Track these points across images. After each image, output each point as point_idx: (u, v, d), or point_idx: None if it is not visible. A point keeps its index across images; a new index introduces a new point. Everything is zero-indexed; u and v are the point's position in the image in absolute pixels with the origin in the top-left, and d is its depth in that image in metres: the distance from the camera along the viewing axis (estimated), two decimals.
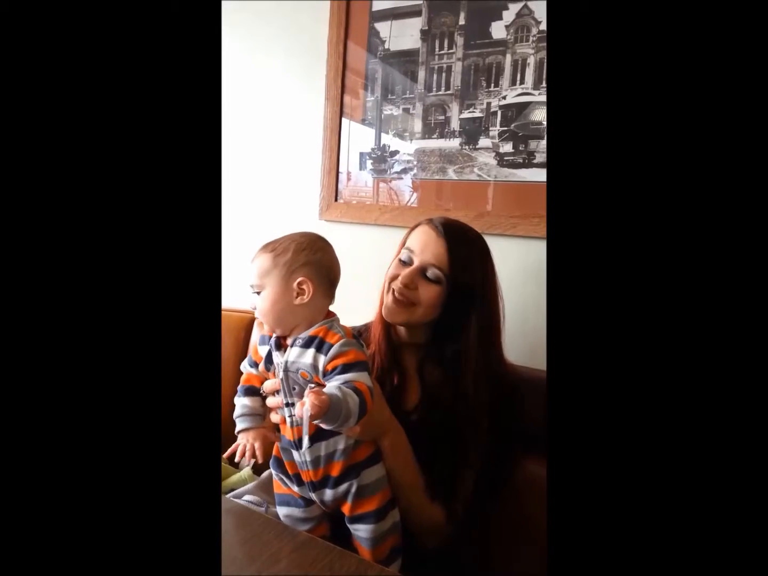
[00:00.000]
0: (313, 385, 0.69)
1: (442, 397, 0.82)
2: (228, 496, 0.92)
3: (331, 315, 0.75)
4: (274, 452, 0.76)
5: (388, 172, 1.20)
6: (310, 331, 0.70)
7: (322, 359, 0.68)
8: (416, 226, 0.87)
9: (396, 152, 1.19)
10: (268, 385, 0.74)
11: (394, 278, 0.84)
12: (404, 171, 1.18)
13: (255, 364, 0.77)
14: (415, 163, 1.16)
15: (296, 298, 0.70)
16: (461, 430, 0.82)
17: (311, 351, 0.69)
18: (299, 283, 0.70)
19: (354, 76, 1.22)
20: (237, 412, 0.75)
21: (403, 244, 0.87)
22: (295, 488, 0.75)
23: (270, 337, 0.74)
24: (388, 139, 1.19)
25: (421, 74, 1.14)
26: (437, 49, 1.11)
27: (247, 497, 0.91)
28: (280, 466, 0.75)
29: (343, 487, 0.72)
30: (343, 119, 1.24)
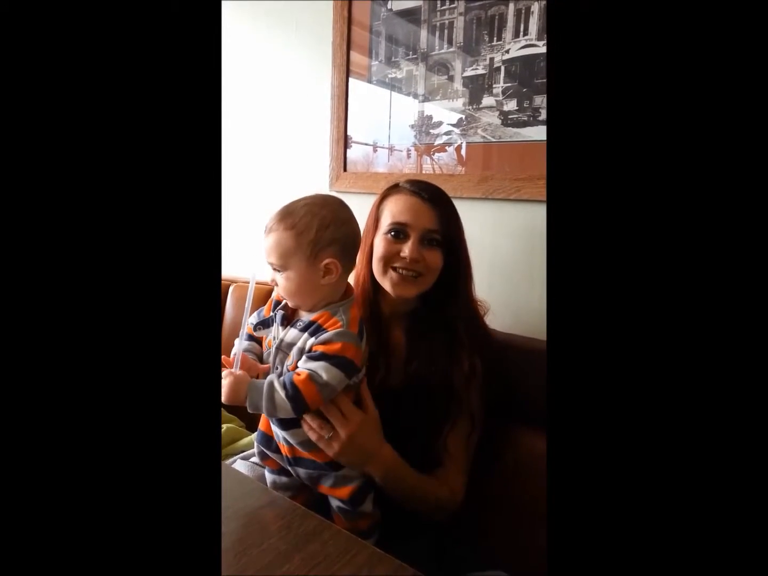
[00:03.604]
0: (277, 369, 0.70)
1: (436, 367, 0.81)
2: (237, 457, 0.98)
3: (350, 292, 0.73)
4: (259, 426, 0.78)
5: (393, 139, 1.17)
6: (312, 316, 0.69)
7: (310, 342, 0.67)
8: (386, 197, 0.83)
9: (404, 117, 1.15)
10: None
11: (391, 256, 0.79)
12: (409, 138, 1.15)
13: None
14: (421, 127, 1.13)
15: (323, 278, 0.68)
16: (461, 399, 0.81)
17: (305, 336, 0.68)
18: (326, 264, 0.67)
19: (359, 41, 1.19)
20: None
21: (377, 218, 0.83)
22: (275, 456, 0.77)
23: (280, 303, 0.74)
24: (397, 104, 1.16)
25: (423, 33, 1.09)
26: (439, 5, 1.06)
27: (253, 459, 0.95)
28: (263, 439, 0.77)
29: (317, 473, 0.73)
30: (350, 86, 1.21)
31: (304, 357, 0.67)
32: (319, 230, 0.66)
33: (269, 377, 0.68)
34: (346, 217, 0.70)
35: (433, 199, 0.80)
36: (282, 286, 0.69)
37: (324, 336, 0.66)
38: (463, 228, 0.83)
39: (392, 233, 0.80)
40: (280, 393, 0.64)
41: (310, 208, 0.68)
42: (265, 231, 0.69)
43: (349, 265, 0.72)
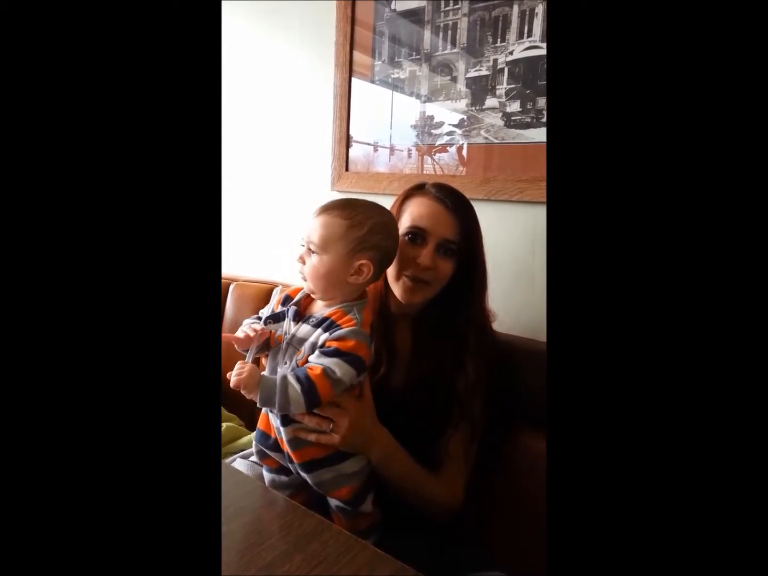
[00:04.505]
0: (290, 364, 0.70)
1: (441, 371, 0.81)
2: (236, 456, 0.98)
3: (364, 295, 0.74)
4: (258, 425, 0.78)
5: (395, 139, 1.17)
6: (326, 312, 0.70)
7: (323, 337, 0.67)
8: (409, 197, 0.83)
9: (407, 117, 1.15)
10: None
11: (405, 262, 0.79)
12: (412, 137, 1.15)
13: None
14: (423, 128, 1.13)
15: (351, 276, 0.69)
16: (463, 404, 0.80)
17: (318, 331, 0.68)
18: (361, 265, 0.68)
19: (362, 41, 1.19)
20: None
21: (398, 216, 0.82)
22: (274, 455, 0.77)
23: (292, 299, 0.75)
24: (399, 104, 1.16)
25: (427, 33, 1.09)
26: (443, 6, 1.06)
27: (253, 458, 0.95)
28: (261, 437, 0.77)
29: (315, 473, 0.72)
30: (353, 86, 1.21)
31: (317, 352, 0.67)
32: (370, 231, 0.68)
33: (281, 371, 0.68)
34: (394, 232, 0.73)
35: (457, 208, 0.79)
36: (310, 266, 0.70)
37: (339, 332, 0.66)
38: (482, 238, 0.83)
39: (410, 236, 0.80)
40: (295, 387, 0.64)
41: (368, 210, 0.70)
42: (316, 212, 0.71)
43: (377, 275, 0.72)
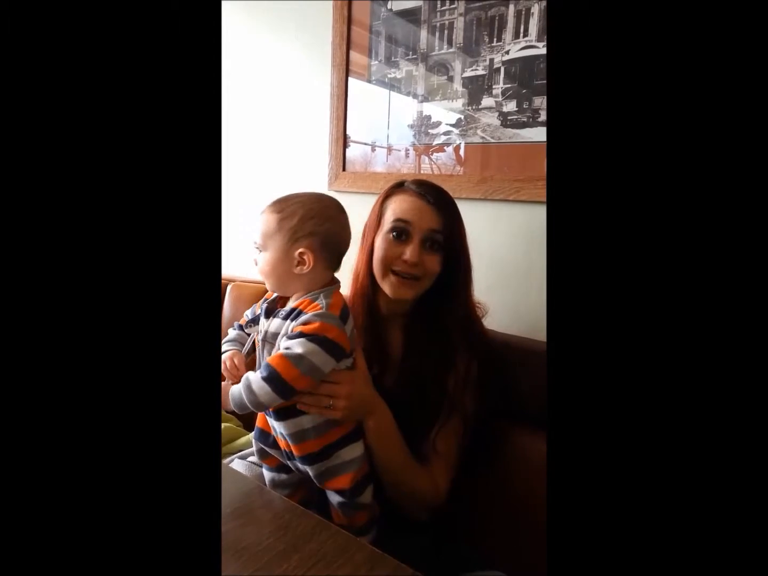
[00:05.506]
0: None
1: (432, 368, 0.81)
2: (234, 457, 0.98)
3: (333, 282, 0.74)
4: (257, 423, 0.78)
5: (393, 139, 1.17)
6: (294, 303, 0.70)
7: (291, 326, 0.68)
8: (390, 196, 0.83)
9: (404, 117, 1.15)
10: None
11: (391, 259, 0.79)
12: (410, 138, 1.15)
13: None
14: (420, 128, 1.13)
15: (296, 266, 0.69)
16: (454, 401, 0.81)
17: (287, 322, 0.69)
18: (300, 254, 0.68)
19: (359, 40, 1.19)
20: (224, 340, 0.79)
21: (380, 215, 0.82)
22: (274, 452, 0.77)
23: (268, 299, 0.76)
24: (396, 104, 1.16)
25: (423, 33, 1.09)
26: (439, 6, 1.06)
27: (251, 459, 0.95)
28: (261, 435, 0.77)
29: (316, 465, 0.72)
30: (349, 86, 1.21)
31: (284, 339, 0.67)
32: (301, 220, 0.68)
33: (246, 374, 0.69)
34: (332, 215, 0.71)
35: (438, 202, 0.79)
36: (259, 265, 0.72)
37: (303, 317, 0.67)
38: (465, 232, 0.83)
39: (394, 233, 0.79)
40: (255, 380, 0.65)
41: (302, 199, 0.70)
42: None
43: (328, 262, 0.71)
